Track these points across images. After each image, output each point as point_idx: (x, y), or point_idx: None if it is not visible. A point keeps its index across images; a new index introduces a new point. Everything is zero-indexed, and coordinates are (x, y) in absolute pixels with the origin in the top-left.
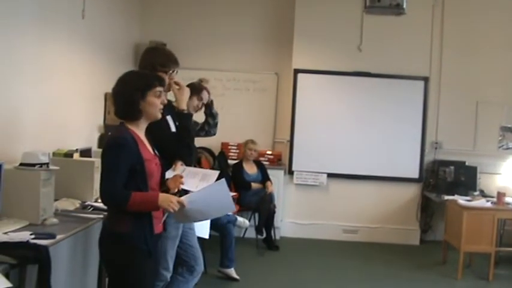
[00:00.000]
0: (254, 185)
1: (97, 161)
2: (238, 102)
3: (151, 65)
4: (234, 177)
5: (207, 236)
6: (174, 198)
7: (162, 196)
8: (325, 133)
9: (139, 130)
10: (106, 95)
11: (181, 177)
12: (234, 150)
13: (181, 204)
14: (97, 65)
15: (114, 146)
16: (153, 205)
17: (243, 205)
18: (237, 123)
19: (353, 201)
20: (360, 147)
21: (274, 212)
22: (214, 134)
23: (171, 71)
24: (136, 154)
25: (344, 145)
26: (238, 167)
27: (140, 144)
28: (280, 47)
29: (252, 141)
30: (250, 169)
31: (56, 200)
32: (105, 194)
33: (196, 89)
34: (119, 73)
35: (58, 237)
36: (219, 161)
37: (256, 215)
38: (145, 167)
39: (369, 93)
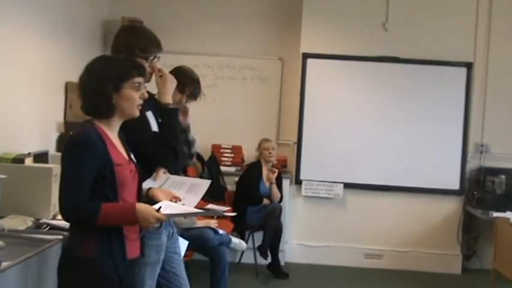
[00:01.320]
0: (265, 201)
1: (55, 167)
2: (233, 95)
3: (129, 49)
4: (244, 186)
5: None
6: (153, 214)
7: (141, 207)
8: (340, 133)
9: (110, 129)
10: (67, 85)
11: (176, 197)
12: (228, 154)
13: (161, 220)
14: (55, 48)
15: (77, 146)
16: (129, 219)
17: (245, 223)
18: (232, 120)
19: (377, 218)
20: (385, 151)
21: (281, 231)
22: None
23: (152, 57)
24: (104, 156)
25: (365, 148)
26: (255, 173)
27: (110, 145)
28: (286, 26)
29: (266, 139)
30: (267, 178)
31: (1, 217)
32: (67, 207)
33: (184, 75)
34: (82, 58)
35: (4, 264)
36: (210, 167)
37: (255, 235)
38: (115, 173)
39: (396, 83)
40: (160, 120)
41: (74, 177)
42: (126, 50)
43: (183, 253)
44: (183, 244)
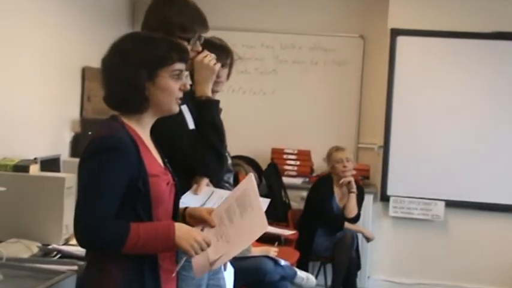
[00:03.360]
0: (350, 226)
1: (69, 177)
2: (299, 84)
3: (167, 27)
4: (314, 204)
5: None
6: (199, 234)
7: (181, 228)
8: (442, 134)
9: (142, 128)
10: (84, 71)
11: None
12: (293, 162)
13: (208, 244)
14: (68, 23)
15: (103, 150)
16: (165, 242)
17: (315, 252)
18: (298, 117)
19: (490, 248)
20: (503, 158)
21: (359, 265)
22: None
23: (196, 39)
24: (137, 165)
25: (474, 154)
26: (326, 188)
27: (144, 150)
28: None
29: (339, 148)
30: (341, 195)
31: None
32: (86, 229)
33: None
34: (103, 37)
35: None
36: (268, 179)
37: (328, 267)
38: (150, 187)
39: None
40: (196, 116)
41: (98, 191)
42: (163, 28)
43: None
44: (229, 275)
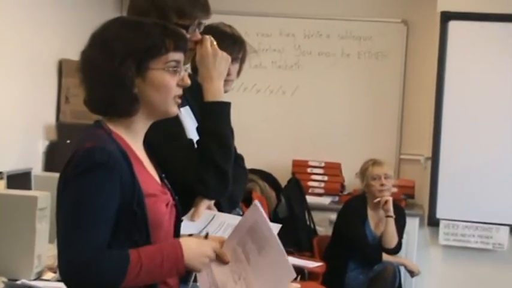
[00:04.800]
0: (389, 258)
1: (43, 195)
2: (326, 81)
3: (160, 11)
4: (344, 230)
5: None
6: (209, 246)
7: (189, 246)
8: (505, 143)
9: (132, 137)
10: (61, 64)
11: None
12: (319, 177)
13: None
14: (41, 9)
15: (91, 168)
16: (174, 266)
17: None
18: (325, 122)
19: None
20: None
21: None
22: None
23: (195, 25)
24: (131, 184)
25: None
26: (358, 211)
27: (137, 164)
28: None
29: (376, 162)
30: (377, 220)
31: None
32: (77, 267)
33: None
34: (84, 24)
35: None
36: (289, 197)
37: None
38: (147, 210)
39: None
40: (200, 120)
41: (87, 217)
42: (154, 13)
43: None
44: None
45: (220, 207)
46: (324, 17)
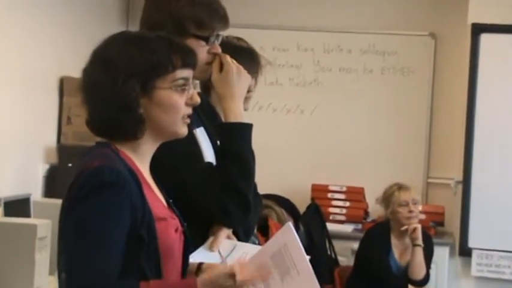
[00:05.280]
0: None
1: (43, 224)
2: (347, 99)
3: (177, 23)
4: (366, 261)
5: None
6: (226, 279)
7: (205, 285)
8: None
9: (140, 160)
10: (62, 82)
11: None
12: (340, 203)
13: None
14: (41, 23)
15: (99, 188)
16: None
17: None
18: (346, 144)
19: None
20: None
21: None
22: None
23: (213, 38)
24: (141, 206)
25: None
26: (380, 240)
27: (145, 186)
28: None
29: (402, 186)
30: (402, 250)
31: None
32: None
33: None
34: (87, 40)
35: None
36: (308, 225)
37: None
38: (156, 234)
39: None
40: (219, 142)
41: (98, 242)
42: (170, 25)
43: None
44: None
45: (236, 236)
46: (345, 30)
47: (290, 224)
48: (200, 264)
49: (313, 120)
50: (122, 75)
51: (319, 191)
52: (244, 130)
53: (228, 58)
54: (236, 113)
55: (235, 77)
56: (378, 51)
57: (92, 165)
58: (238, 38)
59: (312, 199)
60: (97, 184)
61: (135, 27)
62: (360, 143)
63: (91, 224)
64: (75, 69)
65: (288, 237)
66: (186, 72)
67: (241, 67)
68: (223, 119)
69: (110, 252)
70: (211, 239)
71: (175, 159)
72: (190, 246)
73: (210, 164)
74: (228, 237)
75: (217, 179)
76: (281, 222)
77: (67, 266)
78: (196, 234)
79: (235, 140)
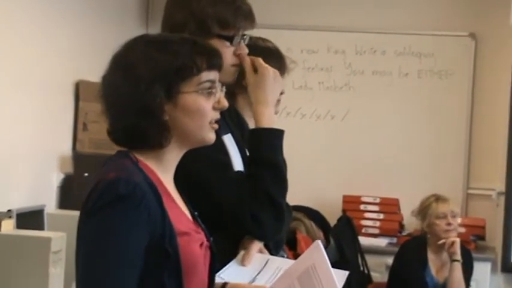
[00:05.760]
0: None
1: (58, 237)
2: (381, 104)
3: (200, 22)
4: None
5: None
6: None
7: None
8: None
9: (163, 169)
10: (78, 87)
11: None
12: (373, 215)
13: None
14: (56, 24)
15: (115, 201)
16: None
17: None
18: (380, 152)
19: None
20: None
21: None
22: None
23: (238, 38)
24: (160, 220)
25: None
26: (416, 255)
27: (167, 199)
28: None
29: (440, 198)
30: (439, 265)
31: None
32: None
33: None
34: (105, 42)
35: None
36: (339, 239)
37: None
38: (179, 250)
39: None
40: (248, 151)
41: (113, 258)
42: (192, 25)
43: None
44: None
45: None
46: (379, 30)
47: (319, 243)
48: (225, 284)
49: (345, 127)
50: (145, 80)
51: (351, 203)
52: (277, 136)
53: (262, 61)
54: (269, 118)
55: (271, 81)
56: (414, 52)
57: (108, 176)
58: (263, 39)
59: (343, 211)
60: (112, 197)
61: (154, 30)
62: (394, 151)
63: (104, 240)
64: (92, 73)
65: (316, 256)
66: (212, 74)
67: (277, 71)
68: (250, 125)
69: (124, 271)
70: (242, 253)
71: (202, 167)
72: (216, 262)
73: (240, 172)
74: (260, 251)
75: (249, 187)
76: (310, 235)
77: (79, 284)
78: (225, 249)
79: (267, 147)
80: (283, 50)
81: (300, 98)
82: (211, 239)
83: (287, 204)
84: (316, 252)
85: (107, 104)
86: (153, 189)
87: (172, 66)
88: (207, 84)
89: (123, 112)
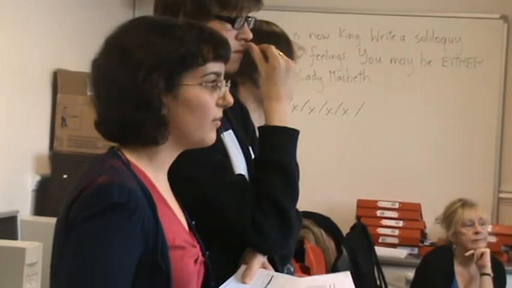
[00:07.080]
0: None
1: (33, 247)
2: (401, 96)
3: (195, 1)
4: None
5: None
6: None
7: None
8: None
9: (157, 171)
10: (55, 76)
11: None
12: (391, 222)
13: None
14: (31, 7)
15: (106, 210)
16: None
17: None
18: (399, 152)
19: None
20: None
21: None
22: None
23: (241, 20)
24: (153, 230)
25: None
26: (442, 267)
27: (161, 204)
28: None
29: (466, 203)
30: (467, 279)
31: None
32: None
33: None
34: (86, 26)
35: None
36: (352, 249)
37: None
38: (171, 265)
39: None
40: (254, 151)
41: (100, 275)
42: (189, 5)
43: None
44: None
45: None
46: (398, 12)
47: (348, 273)
48: None
49: (359, 122)
50: (143, 67)
51: (367, 208)
52: (289, 136)
53: (274, 50)
54: (281, 115)
55: (283, 73)
56: (437, 38)
57: (98, 180)
58: (268, 22)
59: (358, 218)
60: (105, 205)
61: (142, 12)
62: (415, 150)
63: (93, 254)
64: (71, 61)
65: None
66: (218, 66)
67: (290, 61)
68: (253, 119)
69: (116, 286)
70: (243, 268)
71: (196, 170)
72: (210, 280)
73: (241, 176)
74: (263, 266)
75: (252, 193)
76: (320, 245)
77: None
78: (224, 263)
79: (278, 147)
80: (288, 35)
81: (308, 90)
82: (207, 253)
83: (297, 210)
84: (345, 280)
85: (97, 92)
86: (147, 196)
87: (175, 54)
88: (212, 77)
89: (115, 102)
